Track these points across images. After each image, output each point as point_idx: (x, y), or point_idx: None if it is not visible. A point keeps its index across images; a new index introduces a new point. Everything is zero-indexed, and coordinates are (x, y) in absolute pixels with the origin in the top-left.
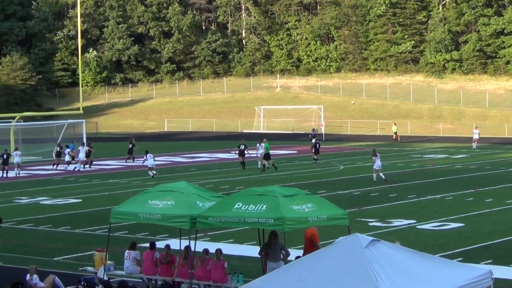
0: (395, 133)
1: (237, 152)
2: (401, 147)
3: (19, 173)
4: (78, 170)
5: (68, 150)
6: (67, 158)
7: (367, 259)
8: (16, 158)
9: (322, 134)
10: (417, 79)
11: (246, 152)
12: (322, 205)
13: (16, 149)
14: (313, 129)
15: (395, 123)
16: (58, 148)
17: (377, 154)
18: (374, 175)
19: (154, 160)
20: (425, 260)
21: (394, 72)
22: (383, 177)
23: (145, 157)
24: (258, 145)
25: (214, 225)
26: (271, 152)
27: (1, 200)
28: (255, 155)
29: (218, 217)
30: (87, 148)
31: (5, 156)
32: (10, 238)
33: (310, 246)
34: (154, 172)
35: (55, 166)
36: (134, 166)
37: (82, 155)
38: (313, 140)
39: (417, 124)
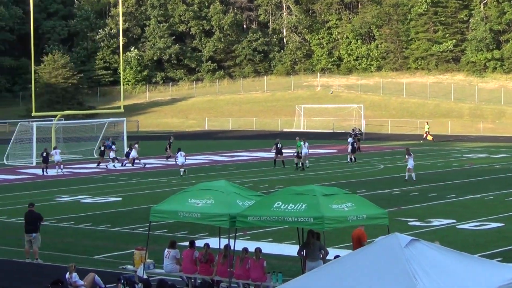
0: (427, 132)
1: (275, 150)
2: (440, 146)
3: (61, 171)
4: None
5: (113, 146)
6: (112, 155)
7: (406, 258)
8: (56, 157)
9: (363, 133)
10: (458, 78)
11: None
12: (361, 204)
13: (55, 148)
14: (353, 129)
15: (427, 122)
16: (102, 147)
17: (411, 153)
18: (407, 174)
19: (185, 159)
20: (464, 259)
21: (435, 71)
22: (414, 178)
23: (176, 155)
24: (302, 144)
25: (254, 224)
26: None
27: (42, 198)
28: (292, 154)
29: (257, 216)
30: (137, 147)
31: (44, 154)
32: (51, 236)
33: (358, 245)
34: (183, 170)
35: (101, 164)
36: (173, 164)
37: (134, 153)
38: (349, 139)
39: (457, 123)
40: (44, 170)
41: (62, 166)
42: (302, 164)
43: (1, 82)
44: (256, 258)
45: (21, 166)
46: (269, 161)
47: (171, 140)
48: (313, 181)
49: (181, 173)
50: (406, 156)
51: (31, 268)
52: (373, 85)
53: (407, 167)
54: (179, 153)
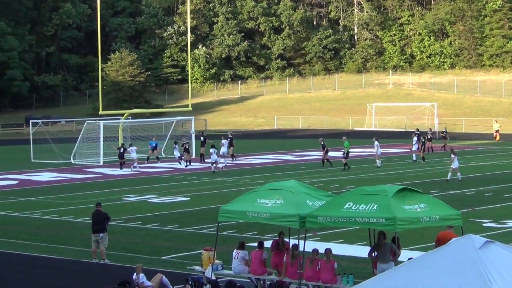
0: (497, 131)
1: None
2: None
3: (137, 168)
4: (223, 167)
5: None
6: (176, 153)
7: (480, 260)
8: (132, 154)
9: (436, 132)
10: None
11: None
12: (434, 205)
13: (131, 145)
14: (417, 129)
15: (496, 121)
16: (181, 144)
17: (455, 153)
18: (450, 174)
19: (218, 156)
20: None
21: (510, 69)
22: (459, 177)
23: (211, 152)
24: (377, 143)
25: (324, 224)
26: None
27: (109, 197)
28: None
29: (328, 216)
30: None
31: (121, 150)
32: (118, 236)
33: None
34: (216, 165)
35: (186, 162)
36: (242, 164)
37: (225, 149)
38: (415, 138)
39: None
40: (121, 165)
41: (136, 164)
42: (346, 163)
43: (68, 80)
44: (326, 260)
45: (88, 165)
46: (340, 160)
47: (185, 141)
48: (384, 181)
49: (213, 170)
50: (452, 156)
51: (98, 268)
52: (447, 83)
53: (452, 167)
54: (212, 149)
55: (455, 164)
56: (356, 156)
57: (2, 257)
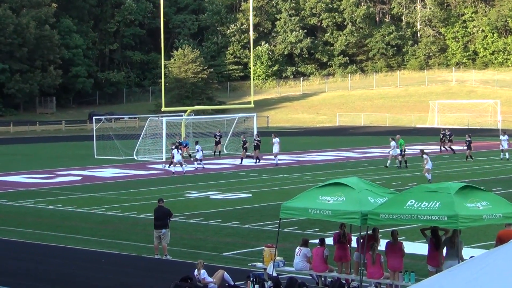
0: None
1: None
2: None
3: (201, 166)
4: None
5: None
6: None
7: None
8: (199, 153)
9: (499, 129)
10: None
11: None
12: (497, 202)
13: (197, 143)
14: (443, 128)
15: None
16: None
17: (428, 154)
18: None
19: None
20: None
21: None
22: (429, 178)
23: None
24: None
25: (386, 222)
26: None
27: (172, 194)
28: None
29: (390, 213)
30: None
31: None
32: (180, 232)
33: None
34: (177, 166)
35: (256, 159)
36: (304, 160)
37: (277, 148)
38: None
39: None
40: (197, 163)
41: (201, 162)
42: (400, 162)
43: (131, 77)
44: (394, 242)
45: (150, 162)
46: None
47: (217, 137)
48: (447, 178)
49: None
50: (424, 157)
51: (160, 264)
52: (510, 80)
53: (426, 167)
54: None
55: (429, 165)
56: (418, 153)
57: (65, 252)
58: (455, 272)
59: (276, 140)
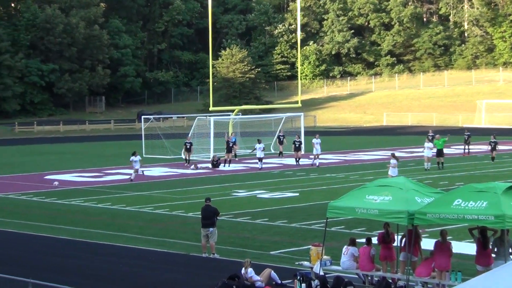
0: None
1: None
2: None
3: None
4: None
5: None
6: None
7: None
8: (259, 152)
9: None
10: None
11: None
12: None
13: (259, 141)
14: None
15: None
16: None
17: (396, 158)
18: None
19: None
20: None
21: None
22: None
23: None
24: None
25: (433, 221)
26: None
27: (219, 193)
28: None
29: (437, 213)
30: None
31: (230, 145)
32: (227, 231)
33: None
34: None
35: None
36: (351, 160)
37: (318, 149)
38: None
39: None
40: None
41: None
42: (438, 163)
43: (179, 76)
44: (442, 241)
45: (198, 161)
46: (449, 157)
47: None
48: (495, 178)
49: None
50: (391, 160)
51: (207, 262)
52: None
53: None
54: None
55: (393, 172)
56: (461, 153)
57: (114, 250)
58: (500, 272)
59: (317, 141)
